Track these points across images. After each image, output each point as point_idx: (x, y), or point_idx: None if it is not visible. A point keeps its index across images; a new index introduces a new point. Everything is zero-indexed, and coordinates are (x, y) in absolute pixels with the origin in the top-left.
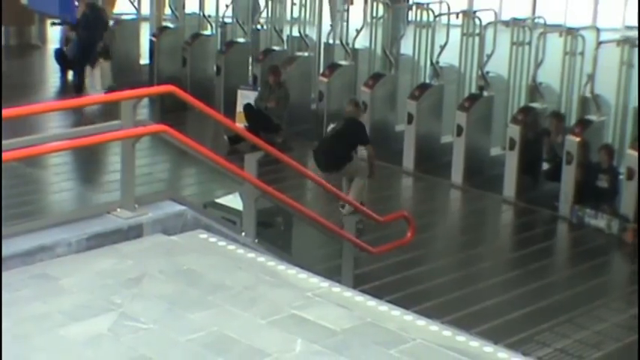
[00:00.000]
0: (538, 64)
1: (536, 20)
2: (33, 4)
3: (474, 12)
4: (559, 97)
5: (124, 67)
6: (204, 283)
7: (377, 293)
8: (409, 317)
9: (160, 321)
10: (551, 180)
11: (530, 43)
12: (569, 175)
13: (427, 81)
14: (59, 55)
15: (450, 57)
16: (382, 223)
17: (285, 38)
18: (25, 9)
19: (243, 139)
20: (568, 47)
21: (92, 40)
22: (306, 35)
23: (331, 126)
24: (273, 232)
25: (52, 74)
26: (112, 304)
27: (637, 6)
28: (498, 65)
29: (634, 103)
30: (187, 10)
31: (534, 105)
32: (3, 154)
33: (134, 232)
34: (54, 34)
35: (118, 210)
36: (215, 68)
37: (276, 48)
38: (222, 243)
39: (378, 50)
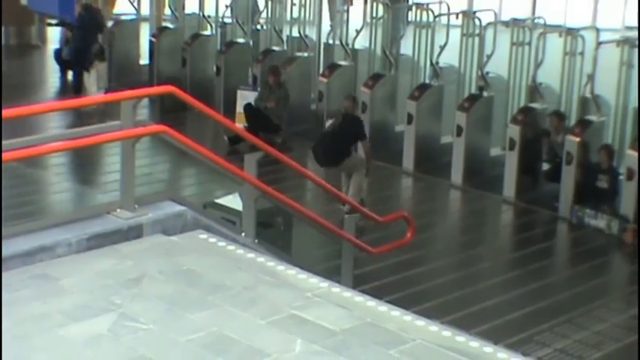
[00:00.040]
0: (538, 65)
1: (536, 20)
2: (33, 4)
3: (474, 12)
4: (559, 98)
5: (124, 68)
6: (203, 283)
7: (377, 293)
8: (409, 317)
9: (160, 321)
10: (551, 180)
11: (530, 44)
12: (569, 175)
13: (427, 81)
14: (59, 55)
15: (449, 57)
16: (382, 224)
17: (285, 38)
18: (25, 9)
19: (243, 139)
20: (568, 47)
21: (87, 41)
22: (306, 36)
23: (329, 122)
24: (273, 232)
25: (52, 74)
26: (111, 304)
27: (637, 6)
28: (498, 65)
29: (634, 103)
30: (187, 11)
31: (534, 105)
32: (3, 155)
33: (134, 233)
34: (54, 35)
35: (118, 210)
36: (215, 68)
37: (275, 48)
38: (221, 243)
39: (378, 50)
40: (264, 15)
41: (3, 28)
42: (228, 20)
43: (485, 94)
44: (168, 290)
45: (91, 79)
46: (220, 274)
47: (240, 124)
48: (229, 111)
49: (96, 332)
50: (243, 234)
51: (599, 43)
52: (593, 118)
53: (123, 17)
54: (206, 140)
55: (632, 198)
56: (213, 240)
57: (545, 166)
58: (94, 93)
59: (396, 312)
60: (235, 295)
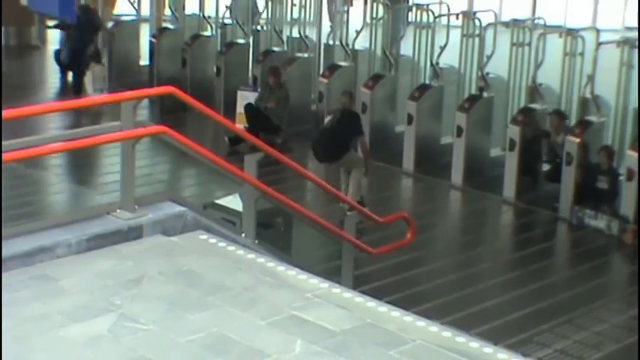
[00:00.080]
0: (538, 65)
1: (536, 21)
2: (33, 4)
3: (474, 13)
4: (559, 98)
5: (124, 68)
6: (204, 284)
7: (377, 294)
8: (409, 318)
9: (160, 322)
10: (552, 181)
11: (530, 44)
12: (569, 176)
13: (427, 82)
14: (59, 56)
15: (449, 58)
16: (382, 224)
17: (285, 39)
18: (25, 10)
19: (243, 140)
20: (568, 48)
21: (84, 42)
22: (306, 36)
23: (328, 118)
24: (273, 233)
25: (52, 75)
26: (111, 305)
27: (637, 7)
28: (498, 66)
29: (634, 104)
30: (187, 11)
31: (534, 106)
32: (3, 155)
33: (134, 233)
34: (54, 35)
35: (118, 211)
36: (215, 69)
37: (276, 49)
38: (222, 244)
39: (378, 51)
40: (264, 16)
41: (3, 29)
42: (228, 21)
43: (485, 94)
44: (169, 291)
45: (87, 81)
46: (220, 274)
47: (240, 125)
48: (229, 112)
49: (96, 333)
50: (243, 235)
51: (599, 44)
52: (593, 118)
53: (123, 18)
54: (206, 141)
55: (632, 198)
56: (213, 241)
57: (546, 167)
58: (90, 95)
59: (396, 313)
60: (235, 295)
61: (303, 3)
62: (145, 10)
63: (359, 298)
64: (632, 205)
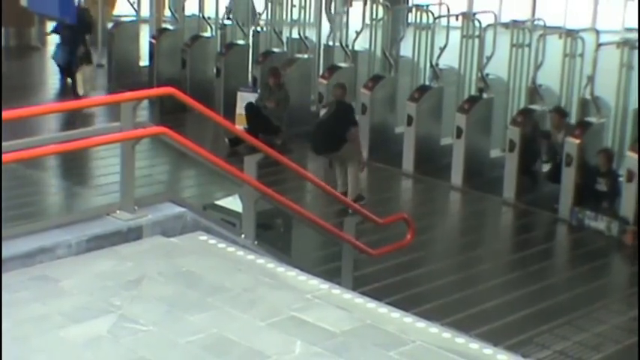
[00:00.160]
0: (538, 66)
1: (535, 22)
2: (33, 5)
3: (474, 14)
4: (559, 99)
5: (124, 69)
6: (203, 285)
7: (377, 295)
8: (409, 319)
9: (160, 323)
10: (552, 182)
11: (529, 45)
12: (568, 177)
13: (427, 83)
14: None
15: (449, 59)
16: (382, 225)
17: (284, 40)
18: (25, 10)
19: (243, 141)
20: (568, 49)
21: (75, 43)
22: (306, 37)
23: (323, 111)
24: (273, 234)
25: (52, 76)
26: (111, 305)
27: (636, 8)
28: (498, 67)
29: (634, 105)
30: (187, 12)
31: (534, 107)
32: (3, 156)
33: (134, 234)
34: (53, 36)
35: (118, 212)
36: (215, 70)
37: (275, 50)
38: (221, 245)
39: (378, 52)
40: (264, 17)
41: (3, 30)
42: (228, 22)
43: (485, 95)
44: (168, 292)
45: (77, 83)
46: (220, 275)
47: (240, 126)
48: (229, 112)
49: (96, 334)
50: (243, 235)
51: (598, 45)
52: (593, 119)
53: (123, 19)
54: (206, 142)
55: (632, 200)
56: (213, 241)
57: (546, 167)
58: (80, 97)
59: (396, 314)
60: (235, 296)
61: (303, 4)
62: (145, 11)
63: (359, 299)
64: (632, 206)
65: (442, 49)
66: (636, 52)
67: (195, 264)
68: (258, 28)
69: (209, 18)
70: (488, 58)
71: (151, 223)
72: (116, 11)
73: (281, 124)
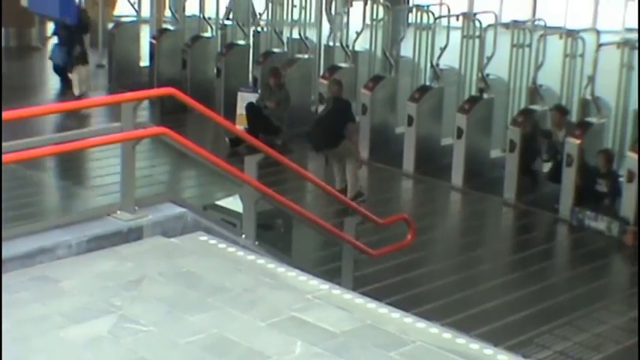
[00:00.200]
0: (538, 67)
1: (536, 22)
2: (33, 5)
3: (474, 14)
4: (559, 100)
5: (124, 70)
6: (203, 285)
7: (377, 295)
8: (409, 319)
9: (160, 323)
10: (554, 181)
11: (530, 46)
12: (569, 177)
13: (427, 83)
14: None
15: (450, 59)
16: (382, 226)
17: (285, 40)
18: (26, 11)
19: (244, 141)
20: (568, 49)
21: (72, 42)
22: (307, 37)
23: (322, 108)
24: (273, 234)
25: (52, 76)
26: (111, 306)
27: (637, 8)
28: (498, 67)
29: (634, 105)
30: (187, 13)
31: (534, 107)
32: (3, 156)
33: (134, 235)
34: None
35: (118, 212)
36: (215, 70)
37: (276, 50)
38: (222, 245)
39: (378, 52)
40: (264, 17)
41: (3, 30)
42: (228, 22)
43: (485, 96)
44: (169, 292)
45: (73, 83)
46: (220, 276)
47: (240, 126)
48: (230, 113)
49: (96, 334)
50: (243, 236)
51: (599, 45)
52: (593, 120)
53: (123, 19)
54: (206, 142)
55: (632, 200)
56: (213, 242)
57: (546, 166)
58: (76, 97)
59: (397, 314)
60: (235, 297)
61: (304, 4)
62: (146, 12)
63: (359, 300)
64: (632, 206)
65: (442, 50)
66: (636, 52)
67: (196, 264)
68: (259, 29)
69: (209, 18)
70: (489, 59)
71: (151, 224)
72: (117, 11)
73: (281, 125)
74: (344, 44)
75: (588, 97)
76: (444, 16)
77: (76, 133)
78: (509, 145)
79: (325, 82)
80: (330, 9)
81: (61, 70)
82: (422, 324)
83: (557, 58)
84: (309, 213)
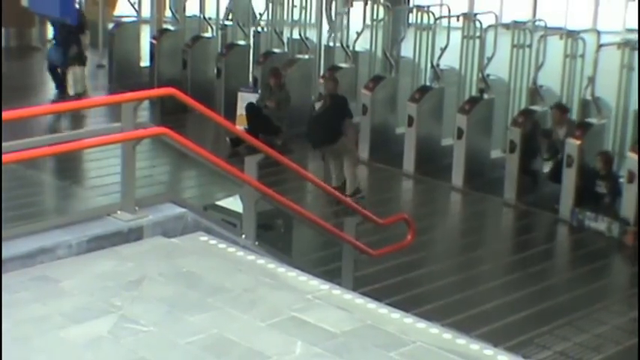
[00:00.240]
0: (538, 67)
1: (536, 23)
2: (33, 5)
3: (475, 15)
4: (559, 100)
5: (125, 70)
6: (204, 285)
7: (377, 296)
8: (409, 320)
9: (160, 323)
10: (554, 181)
11: (530, 46)
12: (569, 177)
13: (427, 83)
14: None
15: (450, 59)
16: (382, 226)
17: (285, 41)
18: (26, 11)
19: (245, 141)
20: (568, 50)
21: (68, 43)
22: (307, 38)
23: (318, 104)
24: (274, 234)
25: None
26: (112, 306)
27: (637, 9)
28: (499, 68)
29: (634, 106)
30: (188, 13)
31: (535, 108)
32: (3, 156)
33: (134, 235)
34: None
35: (119, 212)
36: (215, 71)
37: (276, 50)
38: (222, 245)
39: (379, 53)
40: (264, 17)
41: (3, 30)
42: (228, 22)
43: (485, 96)
44: (169, 292)
45: (68, 83)
46: (220, 276)
47: (240, 126)
48: (230, 113)
49: (96, 334)
50: (243, 236)
51: (599, 46)
52: (593, 120)
53: (124, 19)
54: (206, 142)
55: (632, 201)
56: (213, 242)
57: (547, 166)
58: (71, 97)
59: (397, 314)
60: (235, 297)
61: (304, 5)
62: (146, 12)
63: (359, 300)
64: (632, 207)
65: (443, 50)
66: (637, 52)
67: (196, 264)
68: (259, 29)
69: (210, 18)
70: (489, 59)
71: (151, 224)
72: (117, 12)
73: (282, 125)
74: (344, 44)
75: (588, 97)
76: (445, 17)
77: (76, 134)
78: (509, 146)
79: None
80: (330, 10)
81: (56, 70)
82: (422, 324)
83: (557, 58)
84: (309, 213)
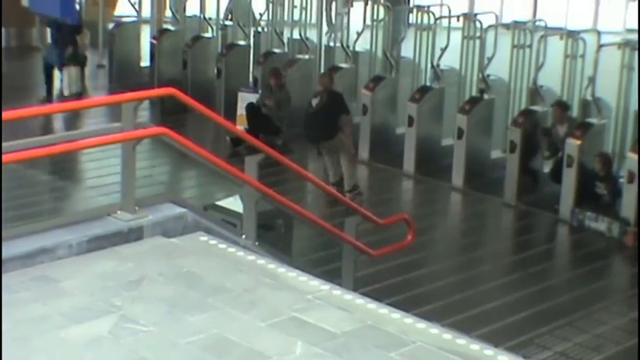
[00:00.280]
0: (539, 67)
1: (537, 23)
2: (34, 5)
3: (475, 15)
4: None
5: (125, 70)
6: (204, 285)
7: (377, 296)
8: (409, 320)
9: (160, 323)
10: (555, 181)
11: (530, 46)
12: (569, 177)
13: (428, 84)
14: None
15: (450, 60)
16: (382, 226)
17: (285, 41)
18: (26, 11)
19: (245, 141)
20: (569, 50)
21: (63, 43)
22: (307, 38)
23: (314, 101)
24: (274, 234)
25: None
26: (112, 306)
27: (637, 9)
28: (499, 68)
29: (634, 106)
30: (188, 13)
31: (535, 108)
32: (3, 156)
33: (134, 235)
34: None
35: (119, 212)
36: (216, 71)
37: (276, 50)
38: (222, 245)
39: (379, 53)
40: (265, 17)
41: (3, 30)
42: (229, 22)
43: (486, 96)
44: (169, 292)
45: (64, 83)
46: (221, 276)
47: (240, 126)
48: (230, 113)
49: (96, 334)
50: (243, 236)
51: (600, 46)
52: (594, 120)
53: (124, 19)
54: (207, 142)
55: (632, 201)
56: (213, 242)
57: (547, 165)
58: (67, 98)
59: (397, 314)
60: (236, 297)
61: (304, 5)
62: (146, 12)
63: (359, 300)
64: (632, 207)
65: (443, 50)
66: (637, 53)
67: (196, 264)
68: (259, 29)
69: (210, 19)
70: (489, 59)
71: (151, 224)
72: (117, 12)
73: (282, 125)
74: (344, 45)
75: (589, 97)
76: (445, 17)
77: (76, 134)
78: (509, 146)
79: None
80: (330, 10)
81: (51, 71)
82: (422, 324)
83: (557, 58)
84: (309, 213)
